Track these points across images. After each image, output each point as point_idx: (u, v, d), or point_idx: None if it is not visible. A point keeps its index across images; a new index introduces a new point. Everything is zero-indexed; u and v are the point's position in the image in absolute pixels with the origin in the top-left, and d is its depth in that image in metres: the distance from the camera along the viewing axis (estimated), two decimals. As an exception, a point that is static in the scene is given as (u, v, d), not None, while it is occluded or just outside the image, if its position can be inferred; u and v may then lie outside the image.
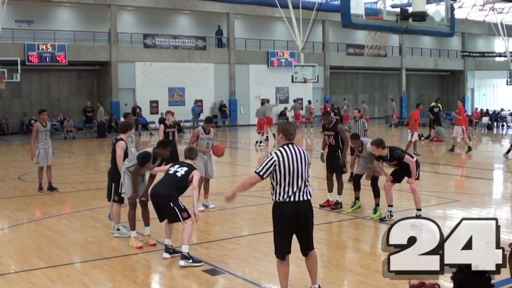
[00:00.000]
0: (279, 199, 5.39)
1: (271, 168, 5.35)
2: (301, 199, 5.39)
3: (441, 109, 26.61)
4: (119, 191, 8.15)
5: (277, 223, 5.52)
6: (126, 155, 8.35)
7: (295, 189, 5.36)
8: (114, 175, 8.41)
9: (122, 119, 25.92)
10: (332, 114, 12.68)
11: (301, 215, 5.42)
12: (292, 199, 5.36)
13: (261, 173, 5.36)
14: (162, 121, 31.85)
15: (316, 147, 23.80)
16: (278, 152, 5.40)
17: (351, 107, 31.43)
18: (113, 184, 8.37)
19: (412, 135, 18.00)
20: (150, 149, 7.91)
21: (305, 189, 5.43)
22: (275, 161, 5.34)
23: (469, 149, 19.33)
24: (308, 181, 5.48)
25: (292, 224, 5.42)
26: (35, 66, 30.39)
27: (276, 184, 5.39)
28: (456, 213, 10.13)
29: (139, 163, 7.74)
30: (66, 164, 17.27)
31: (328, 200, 10.37)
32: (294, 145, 5.47)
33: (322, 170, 15.24)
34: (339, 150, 10.21)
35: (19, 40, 29.82)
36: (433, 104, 25.94)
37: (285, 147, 5.42)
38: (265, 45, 37.59)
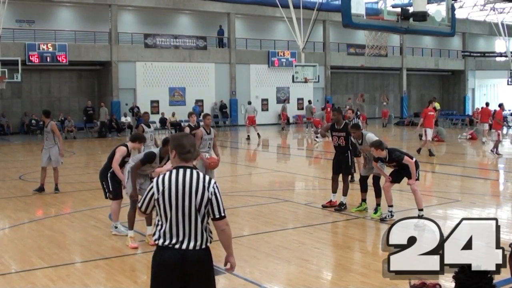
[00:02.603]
0: (161, 242, 3.95)
1: (151, 202, 4.02)
2: (191, 247, 3.92)
3: (439, 109, 26.63)
4: (111, 189, 8.40)
5: (152, 278, 4.01)
6: (123, 163, 8.44)
7: (180, 233, 3.92)
8: (103, 174, 8.62)
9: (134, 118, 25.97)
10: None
11: (190, 268, 3.90)
12: (178, 246, 3.91)
13: (142, 208, 4.11)
14: (162, 121, 31.81)
15: (316, 148, 23.83)
16: (160, 179, 4.02)
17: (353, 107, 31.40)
18: (104, 183, 8.57)
19: (499, 135, 19.21)
20: (156, 150, 8.07)
21: (200, 235, 3.95)
22: (153, 192, 4.00)
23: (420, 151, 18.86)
24: (202, 224, 3.97)
25: (175, 281, 3.91)
26: (36, 66, 30.41)
27: (158, 221, 4.01)
28: (457, 213, 10.13)
29: (141, 161, 7.87)
30: (66, 164, 17.26)
31: (330, 201, 10.35)
32: (188, 170, 4.02)
33: (323, 170, 15.29)
34: (349, 152, 10.24)
35: (20, 40, 29.84)
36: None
37: (174, 172, 4.02)
38: (265, 45, 37.59)
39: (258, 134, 26.26)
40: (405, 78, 44.30)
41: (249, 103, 29.99)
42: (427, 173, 14.81)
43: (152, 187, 4.02)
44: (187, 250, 3.90)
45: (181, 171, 4.00)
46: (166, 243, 3.92)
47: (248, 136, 26.55)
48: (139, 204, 4.13)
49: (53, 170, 12.46)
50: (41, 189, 12.32)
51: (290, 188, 13.55)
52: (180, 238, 3.91)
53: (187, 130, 12.24)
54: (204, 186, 3.96)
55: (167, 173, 4.03)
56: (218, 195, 4.01)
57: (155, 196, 3.98)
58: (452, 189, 13.04)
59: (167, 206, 3.93)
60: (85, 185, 13.37)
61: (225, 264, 4.23)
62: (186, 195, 3.92)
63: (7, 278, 6.70)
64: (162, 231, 3.94)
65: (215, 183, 4.05)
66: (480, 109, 35.43)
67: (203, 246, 3.97)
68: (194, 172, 4.03)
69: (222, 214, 4.02)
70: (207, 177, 4.04)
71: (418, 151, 18.34)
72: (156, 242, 3.97)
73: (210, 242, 4.03)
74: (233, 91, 36.00)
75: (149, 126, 12.40)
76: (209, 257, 4.05)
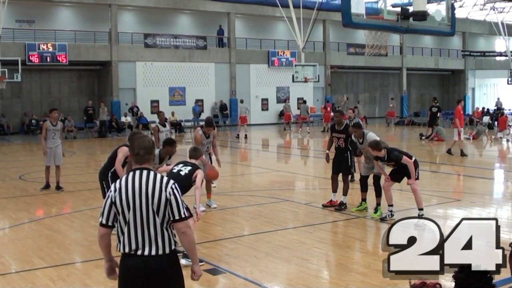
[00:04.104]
0: (123, 250, 3.88)
1: (112, 209, 3.85)
2: (154, 253, 3.79)
3: (440, 109, 26.59)
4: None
5: (119, 285, 3.94)
6: (125, 163, 8.45)
7: (140, 237, 3.81)
8: (102, 173, 8.67)
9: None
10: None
11: (153, 276, 3.79)
12: (140, 252, 3.81)
13: (103, 222, 3.87)
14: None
15: (312, 147, 23.84)
16: (117, 183, 3.88)
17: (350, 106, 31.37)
18: (104, 183, 8.59)
19: None
20: (156, 150, 8.02)
21: (161, 240, 3.81)
22: (111, 197, 3.84)
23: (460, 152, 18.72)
24: (162, 228, 3.83)
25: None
26: (36, 66, 30.41)
27: (119, 227, 3.88)
28: (457, 212, 10.13)
29: None
30: (67, 163, 17.25)
31: (331, 201, 10.36)
32: (145, 172, 3.87)
33: (323, 170, 15.28)
34: (348, 152, 10.29)
35: (20, 40, 29.83)
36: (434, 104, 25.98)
37: (130, 175, 3.87)
38: (265, 45, 37.58)
39: (245, 135, 26.81)
40: (405, 78, 44.29)
41: (241, 101, 29.89)
42: (427, 172, 14.79)
43: (110, 192, 3.86)
44: (149, 256, 3.79)
45: (137, 172, 3.86)
46: (127, 250, 3.82)
47: (246, 135, 26.76)
48: (100, 219, 3.88)
49: (56, 169, 12.52)
50: (47, 186, 12.52)
51: (290, 187, 13.56)
52: (141, 244, 3.80)
53: (198, 129, 12.29)
54: (161, 187, 3.81)
55: (124, 178, 3.90)
56: (177, 195, 3.86)
57: (113, 197, 3.82)
58: (452, 189, 13.04)
59: (124, 207, 3.80)
60: (85, 185, 13.37)
61: (191, 274, 4.05)
62: (142, 196, 3.79)
63: (7, 278, 6.70)
64: (123, 237, 3.84)
65: (173, 183, 3.90)
66: (477, 109, 35.66)
67: (167, 251, 3.82)
68: (151, 173, 3.87)
69: (183, 216, 3.86)
70: (164, 178, 3.90)
71: (462, 153, 18.02)
72: (119, 250, 3.87)
73: (175, 246, 3.90)
74: (233, 90, 35.99)
75: (164, 126, 12.33)
76: (174, 263, 3.91)
